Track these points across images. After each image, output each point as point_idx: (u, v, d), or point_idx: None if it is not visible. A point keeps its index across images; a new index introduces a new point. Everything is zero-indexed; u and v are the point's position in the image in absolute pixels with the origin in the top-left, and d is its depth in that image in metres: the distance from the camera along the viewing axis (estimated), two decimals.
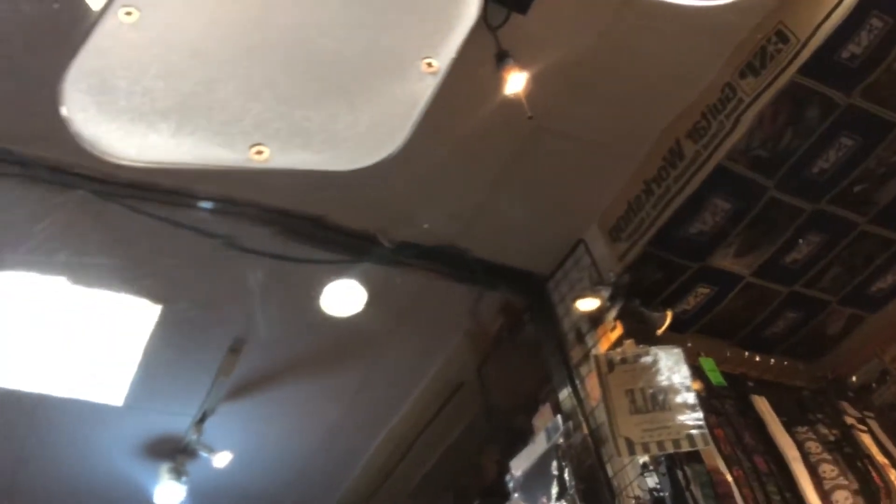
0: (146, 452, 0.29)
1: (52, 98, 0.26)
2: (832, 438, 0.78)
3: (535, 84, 0.34)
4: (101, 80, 0.22)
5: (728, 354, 0.51)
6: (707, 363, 0.47)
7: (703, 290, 0.38)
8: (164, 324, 0.26)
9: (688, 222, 0.39)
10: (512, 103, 0.34)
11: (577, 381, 0.42)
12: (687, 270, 0.38)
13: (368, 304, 0.27)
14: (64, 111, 0.21)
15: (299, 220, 0.28)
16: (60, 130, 0.27)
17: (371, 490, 0.37)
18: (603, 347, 0.40)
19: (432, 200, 0.30)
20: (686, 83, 0.42)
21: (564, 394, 0.46)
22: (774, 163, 0.41)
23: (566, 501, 0.34)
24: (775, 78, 0.47)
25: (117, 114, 0.22)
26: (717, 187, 0.39)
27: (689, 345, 0.39)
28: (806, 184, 0.42)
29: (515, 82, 0.36)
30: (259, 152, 0.23)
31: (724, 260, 0.40)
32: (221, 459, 0.40)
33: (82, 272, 0.27)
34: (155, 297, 0.27)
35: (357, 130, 0.24)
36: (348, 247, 0.29)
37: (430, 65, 0.26)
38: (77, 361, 0.25)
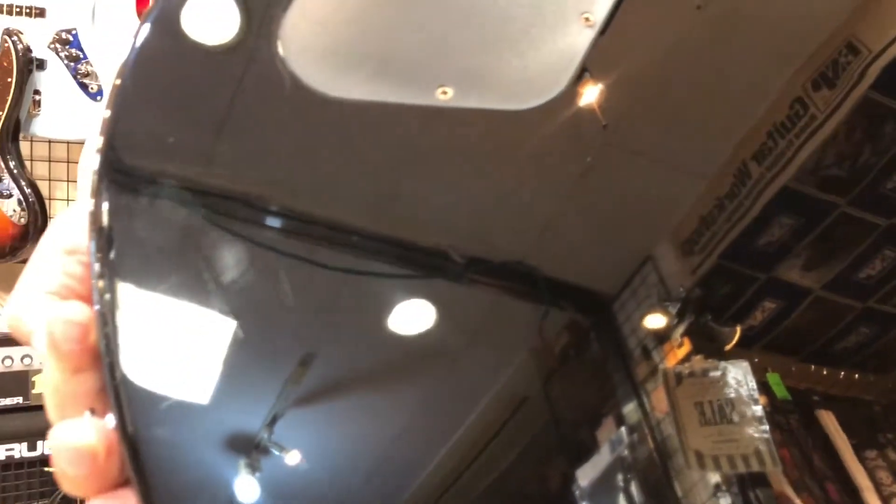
0: (225, 448, 0.29)
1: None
2: None
3: (607, 99, 0.35)
4: (310, 28, 0.27)
5: (794, 369, 0.50)
6: (773, 378, 0.47)
7: (770, 305, 0.38)
8: (238, 335, 0.27)
9: (757, 236, 0.39)
10: (582, 119, 0.34)
11: (644, 397, 0.43)
12: (755, 282, 0.38)
13: (438, 321, 0.27)
14: (281, 50, 0.26)
15: (372, 237, 0.29)
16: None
17: (434, 499, 0.38)
18: (670, 364, 0.40)
19: (503, 216, 0.31)
20: (755, 99, 0.42)
21: (629, 407, 0.46)
22: (850, 181, 0.41)
23: None
24: (849, 92, 0.46)
25: (325, 56, 0.27)
26: (782, 207, 0.38)
27: (757, 360, 0.39)
28: (881, 199, 0.41)
29: (590, 95, 0.37)
30: (444, 93, 0.28)
31: (792, 272, 0.39)
32: (292, 458, 0.41)
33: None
34: (229, 313, 0.28)
35: (526, 76, 0.30)
36: (420, 263, 0.30)
37: (587, 19, 0.30)
38: (167, 361, 0.26)
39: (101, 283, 0.22)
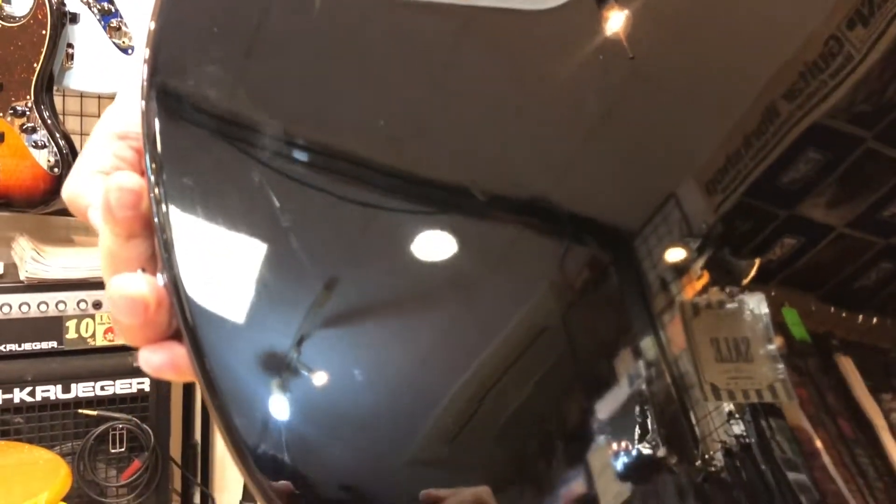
0: (258, 368, 0.30)
1: None
2: None
3: (633, 32, 0.34)
4: None
5: (813, 309, 0.50)
6: (790, 315, 0.46)
7: (791, 241, 0.37)
8: (268, 261, 0.28)
9: (781, 173, 0.39)
10: (607, 51, 0.34)
11: (661, 330, 0.43)
12: (776, 219, 0.38)
13: (458, 254, 0.27)
14: None
15: (393, 173, 0.29)
16: None
17: (456, 430, 0.38)
18: (688, 296, 0.41)
19: (526, 152, 0.31)
20: (789, 36, 0.41)
21: (647, 341, 0.47)
22: (876, 116, 0.40)
23: (648, 443, 0.36)
24: (885, 29, 0.45)
25: None
26: (811, 141, 0.38)
27: (774, 294, 0.38)
28: None
29: (615, 21, 0.36)
30: None
31: (815, 210, 0.39)
32: (319, 379, 0.42)
33: None
34: (262, 239, 0.29)
35: None
36: (441, 199, 0.30)
37: None
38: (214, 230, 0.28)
39: (152, 172, 0.24)
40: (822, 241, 0.34)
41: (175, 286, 0.22)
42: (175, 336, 0.21)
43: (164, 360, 0.21)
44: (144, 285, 0.21)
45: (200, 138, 0.26)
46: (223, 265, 0.25)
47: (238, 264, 0.26)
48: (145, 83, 0.25)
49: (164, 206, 0.23)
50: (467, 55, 0.32)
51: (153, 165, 0.24)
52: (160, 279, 0.21)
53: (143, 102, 0.25)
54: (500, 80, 0.32)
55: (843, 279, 0.34)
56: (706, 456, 0.29)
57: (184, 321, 0.22)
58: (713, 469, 0.29)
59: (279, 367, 0.26)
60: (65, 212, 1.55)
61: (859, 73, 0.36)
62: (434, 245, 0.29)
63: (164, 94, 0.25)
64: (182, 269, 0.22)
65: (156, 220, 0.23)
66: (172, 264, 0.22)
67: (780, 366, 0.36)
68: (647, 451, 0.29)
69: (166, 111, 0.25)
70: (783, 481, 0.31)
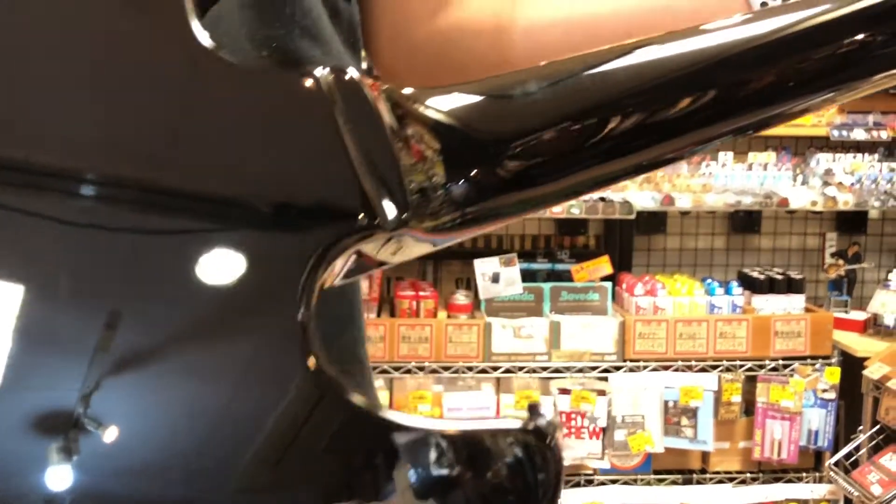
0: (32, 433, 0.26)
1: None
2: None
3: None
4: None
5: None
6: None
7: None
8: (31, 304, 0.24)
9: None
10: None
11: None
12: None
13: (249, 271, 0.26)
14: None
15: (162, 192, 0.27)
16: None
17: (279, 454, 0.37)
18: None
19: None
20: None
21: None
22: None
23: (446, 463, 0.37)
24: None
25: None
26: None
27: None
28: None
29: None
30: None
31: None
32: (111, 434, 0.38)
33: None
34: (17, 279, 0.25)
35: None
36: (222, 215, 0.28)
37: None
38: None
39: None
40: None
41: None
42: None
43: None
44: None
45: None
46: None
47: None
48: None
49: None
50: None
51: None
52: None
53: None
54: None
55: None
56: None
57: None
58: None
59: (62, 427, 0.24)
60: None
61: None
62: (225, 265, 0.28)
63: None
64: None
65: None
66: None
67: None
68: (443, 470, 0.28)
69: None
70: None
